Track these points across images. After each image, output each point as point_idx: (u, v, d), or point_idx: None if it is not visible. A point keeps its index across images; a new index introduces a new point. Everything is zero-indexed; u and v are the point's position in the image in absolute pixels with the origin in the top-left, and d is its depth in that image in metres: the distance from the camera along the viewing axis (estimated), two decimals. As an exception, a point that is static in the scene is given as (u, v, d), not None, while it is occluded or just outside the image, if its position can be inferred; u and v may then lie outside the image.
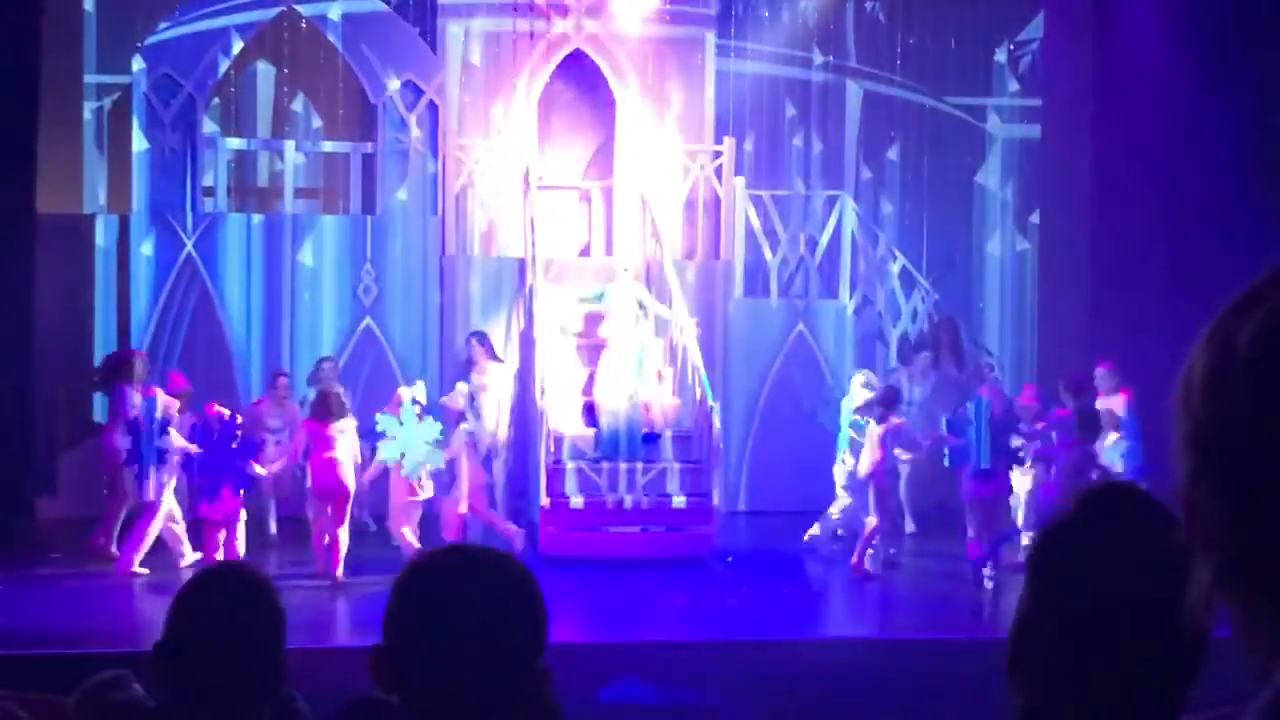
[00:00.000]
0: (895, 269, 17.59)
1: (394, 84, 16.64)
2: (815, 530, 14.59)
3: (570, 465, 14.29)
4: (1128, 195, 16.59)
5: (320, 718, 3.10)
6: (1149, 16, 16.34)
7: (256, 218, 16.64)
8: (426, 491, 13.41)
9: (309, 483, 13.34)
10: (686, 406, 15.14)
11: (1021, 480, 13.72)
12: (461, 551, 2.38)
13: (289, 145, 16.71)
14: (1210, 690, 1.83)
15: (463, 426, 13.77)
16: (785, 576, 13.67)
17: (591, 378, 15.14)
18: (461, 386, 14.33)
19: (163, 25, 16.36)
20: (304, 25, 16.64)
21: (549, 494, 14.05)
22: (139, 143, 16.18)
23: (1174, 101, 15.75)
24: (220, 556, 12.61)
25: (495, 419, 15.23)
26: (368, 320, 16.53)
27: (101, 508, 14.02)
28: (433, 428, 13.32)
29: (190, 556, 13.01)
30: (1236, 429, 1.23)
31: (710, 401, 14.43)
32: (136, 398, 13.46)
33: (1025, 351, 17.96)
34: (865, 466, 13.64)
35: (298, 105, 17.18)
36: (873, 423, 13.69)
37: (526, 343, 15.81)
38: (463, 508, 13.58)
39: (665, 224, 16.52)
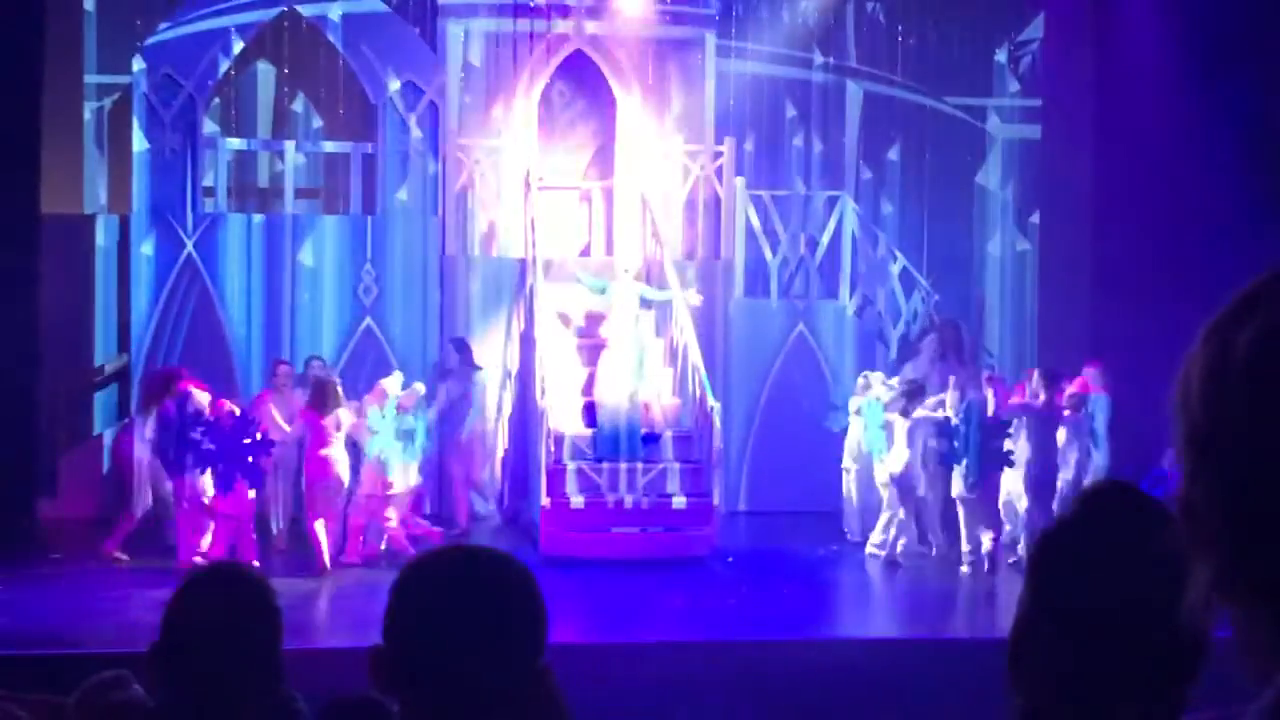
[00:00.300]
0: (895, 269, 17.58)
1: (394, 84, 16.64)
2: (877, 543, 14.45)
3: (571, 465, 14.29)
4: (1128, 195, 16.59)
5: (320, 718, 3.09)
6: (1149, 17, 16.33)
7: (257, 218, 16.64)
8: (397, 486, 13.49)
9: (305, 475, 13.35)
10: (686, 406, 15.14)
11: (1011, 479, 13.76)
12: (461, 551, 2.38)
13: (289, 145, 16.71)
14: (1210, 690, 1.83)
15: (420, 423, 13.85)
16: (789, 576, 13.68)
17: (591, 378, 15.13)
18: (418, 386, 14.31)
19: (163, 25, 16.36)
20: (304, 25, 16.63)
21: (549, 494, 14.05)
22: (139, 143, 16.17)
23: (1174, 101, 15.75)
24: (224, 551, 12.68)
25: (469, 423, 15.28)
26: (368, 320, 16.52)
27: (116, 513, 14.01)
28: (404, 420, 13.52)
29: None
30: (1234, 430, 1.23)
31: (710, 402, 14.43)
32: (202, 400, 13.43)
33: (1025, 351, 17.95)
34: (898, 464, 13.74)
35: (298, 105, 17.18)
36: (899, 418, 13.79)
37: (527, 343, 15.81)
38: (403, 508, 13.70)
39: (665, 224, 16.52)
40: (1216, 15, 15.47)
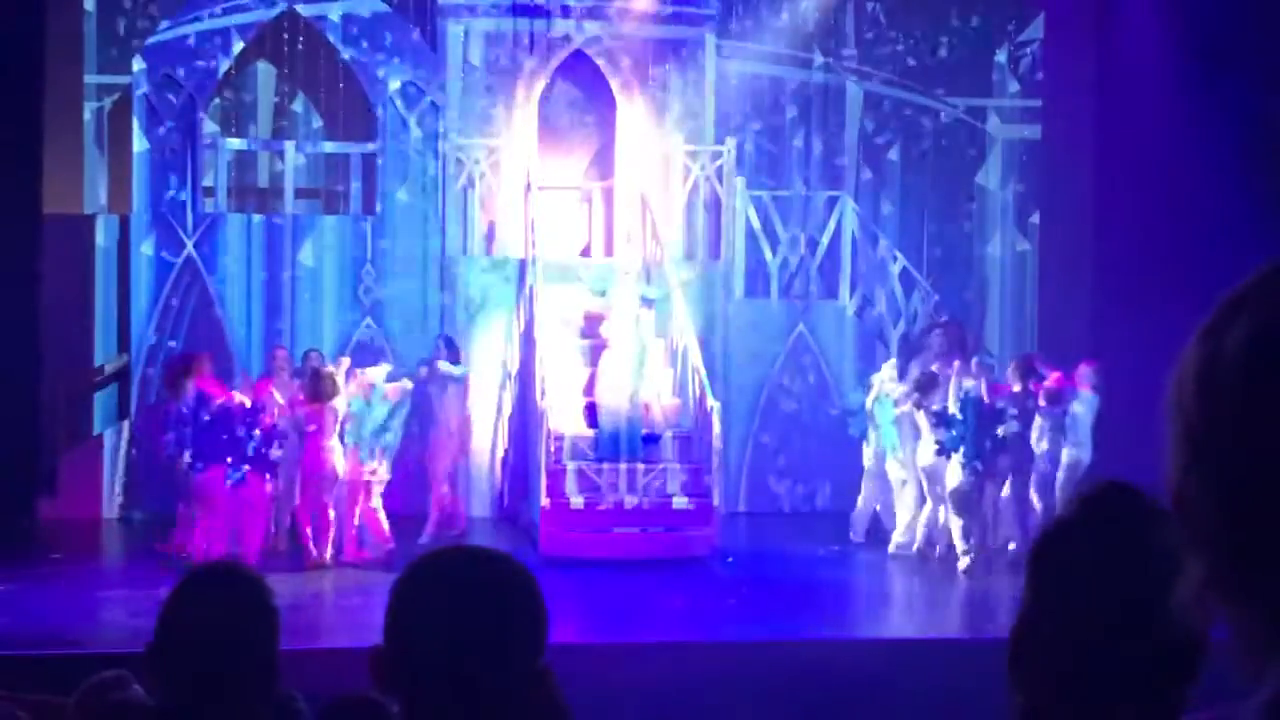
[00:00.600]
0: (895, 269, 17.58)
1: (394, 84, 16.65)
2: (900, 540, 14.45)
3: (570, 466, 14.29)
4: (1128, 195, 16.58)
5: (321, 718, 3.09)
6: (1149, 17, 16.33)
7: (257, 218, 16.64)
8: (381, 474, 13.50)
9: (300, 467, 13.33)
10: (687, 407, 15.15)
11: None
12: (462, 551, 2.38)
13: (289, 146, 16.71)
14: (1210, 691, 1.83)
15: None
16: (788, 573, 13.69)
17: (592, 378, 15.14)
18: (406, 382, 14.30)
19: (163, 25, 16.37)
20: (304, 26, 16.63)
21: (549, 495, 14.06)
22: (139, 143, 16.18)
23: (1175, 101, 15.75)
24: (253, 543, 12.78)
25: (457, 419, 15.22)
26: (368, 321, 16.52)
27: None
28: (383, 408, 13.52)
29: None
30: (1227, 427, 1.24)
31: (710, 402, 14.43)
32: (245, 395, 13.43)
33: (1025, 351, 17.93)
34: (927, 456, 13.75)
35: (298, 105, 17.18)
36: (917, 411, 13.84)
37: (526, 343, 15.81)
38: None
39: (665, 225, 16.53)
40: (1217, 15, 15.47)
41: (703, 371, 14.87)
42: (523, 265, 16.21)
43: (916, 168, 18.07)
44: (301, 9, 16.58)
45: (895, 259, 17.62)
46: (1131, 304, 16.07)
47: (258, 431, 12.85)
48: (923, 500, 14.27)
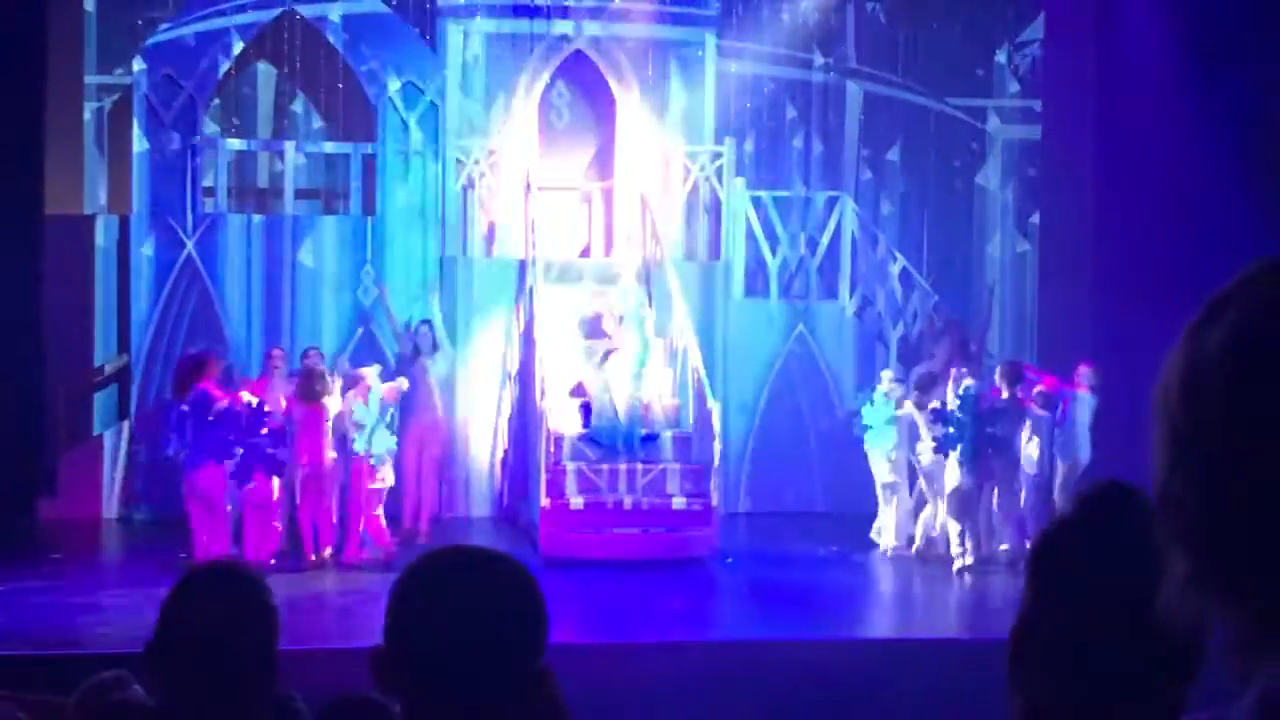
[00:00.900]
0: (895, 270, 17.58)
1: (394, 85, 16.65)
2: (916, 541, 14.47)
3: (570, 466, 14.30)
4: (1128, 196, 16.59)
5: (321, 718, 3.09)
6: (1149, 17, 16.33)
7: (257, 218, 16.64)
8: (388, 480, 13.49)
9: (294, 465, 13.31)
10: (686, 407, 15.15)
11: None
12: (462, 552, 2.38)
13: (289, 146, 16.71)
14: (1209, 692, 1.83)
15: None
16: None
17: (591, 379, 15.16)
18: (402, 381, 14.28)
19: (163, 26, 16.37)
20: (304, 26, 16.63)
21: (549, 495, 14.06)
22: (139, 143, 16.18)
23: (1175, 102, 15.75)
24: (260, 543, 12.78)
25: (436, 407, 15.18)
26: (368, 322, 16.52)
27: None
28: (388, 413, 13.61)
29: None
30: (1210, 427, 1.25)
31: (710, 403, 14.44)
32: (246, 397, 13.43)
33: (1025, 352, 17.94)
34: (927, 457, 13.78)
35: (298, 106, 17.18)
36: (915, 411, 13.86)
37: (526, 344, 15.81)
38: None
39: (665, 225, 16.53)
40: (1217, 16, 15.48)
41: (702, 372, 14.88)
42: (522, 266, 16.21)
43: (916, 168, 18.07)
44: (302, 9, 16.58)
45: (895, 259, 17.62)
46: (1131, 304, 16.07)
47: (265, 430, 12.86)
48: (922, 502, 14.29)
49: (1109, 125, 16.91)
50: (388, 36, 16.69)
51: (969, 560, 13.53)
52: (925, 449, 13.90)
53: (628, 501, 14.14)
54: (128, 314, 16.19)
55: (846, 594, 13.51)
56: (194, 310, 16.25)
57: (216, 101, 16.88)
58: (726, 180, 16.89)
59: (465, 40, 16.68)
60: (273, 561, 12.75)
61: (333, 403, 13.33)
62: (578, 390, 15.06)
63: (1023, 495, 13.70)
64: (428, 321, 15.68)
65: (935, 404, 13.84)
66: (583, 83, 17.01)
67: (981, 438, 13.49)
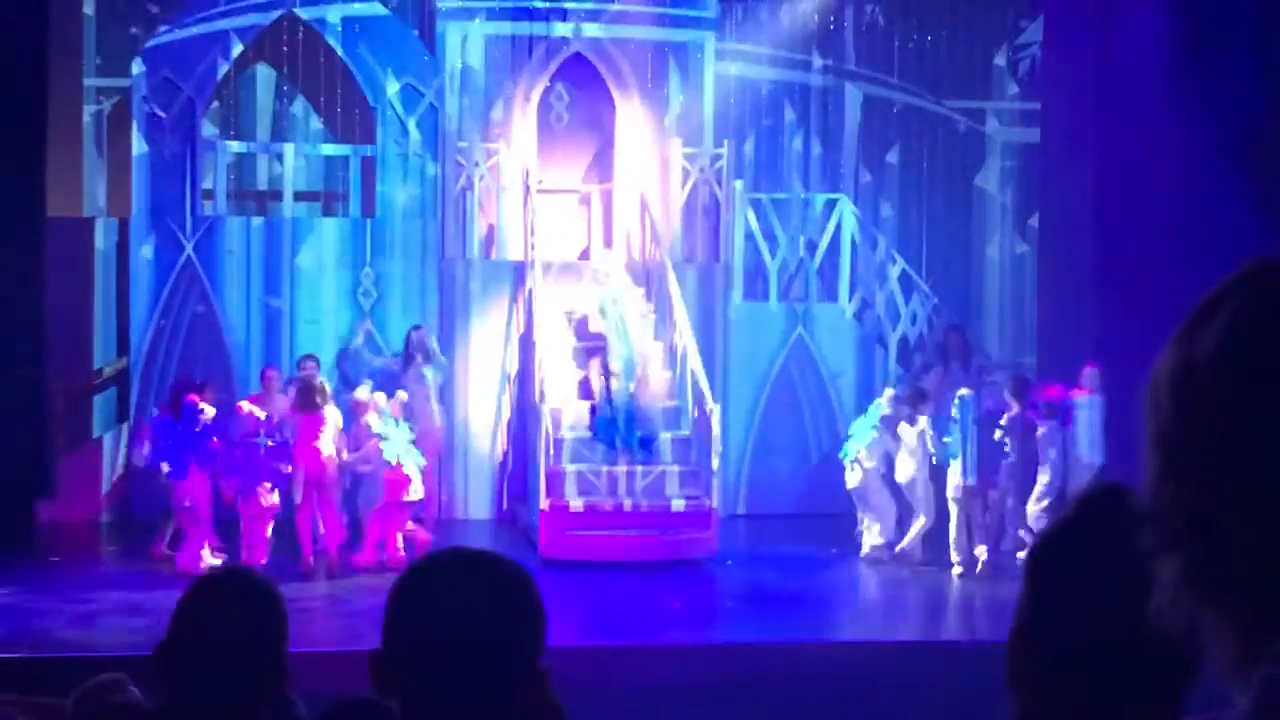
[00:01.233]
0: (895, 272, 17.59)
1: (393, 87, 16.65)
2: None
3: (570, 468, 14.31)
4: (1127, 198, 16.59)
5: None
6: (1148, 19, 16.34)
7: (256, 221, 16.64)
8: (418, 492, 13.48)
9: (297, 473, 13.32)
10: (685, 410, 15.16)
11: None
12: (459, 554, 2.38)
13: (288, 148, 16.71)
14: (1208, 694, 1.83)
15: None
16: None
17: (587, 379, 15.18)
18: (401, 394, 14.26)
19: (162, 29, 16.37)
20: (303, 28, 16.63)
21: (548, 497, 14.07)
22: (139, 146, 16.18)
23: (1174, 103, 15.75)
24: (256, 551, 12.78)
25: (432, 414, 15.17)
26: (367, 323, 16.52)
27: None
28: (405, 428, 13.55)
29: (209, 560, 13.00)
30: (1200, 430, 1.24)
31: (709, 405, 14.44)
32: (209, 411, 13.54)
33: (1024, 355, 17.95)
34: (906, 471, 13.77)
35: (297, 108, 17.18)
36: (905, 426, 13.84)
37: (526, 345, 15.82)
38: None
39: (664, 227, 16.54)
40: (1216, 18, 15.48)
41: (702, 374, 14.88)
42: (521, 267, 16.22)
43: (915, 170, 18.08)
44: (300, 12, 16.58)
45: (894, 262, 17.62)
46: (1130, 307, 16.08)
47: (269, 442, 12.94)
48: (904, 509, 14.22)
49: (1108, 127, 16.91)
50: (387, 39, 16.70)
51: (963, 566, 13.51)
52: (905, 464, 13.82)
53: (627, 504, 14.14)
54: (127, 316, 16.19)
55: (846, 596, 13.52)
56: (193, 313, 16.25)
57: (216, 104, 16.88)
58: (725, 182, 16.89)
59: (464, 42, 16.68)
60: (264, 562, 12.75)
61: (331, 413, 13.33)
62: (586, 392, 15.07)
63: (1045, 502, 13.64)
64: (420, 327, 15.69)
65: (924, 423, 13.78)
66: (582, 85, 17.01)
67: (983, 445, 13.46)
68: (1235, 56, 15.11)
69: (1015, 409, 13.79)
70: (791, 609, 12.79)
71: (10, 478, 14.19)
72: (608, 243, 16.99)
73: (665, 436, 14.85)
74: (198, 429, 13.10)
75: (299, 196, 16.94)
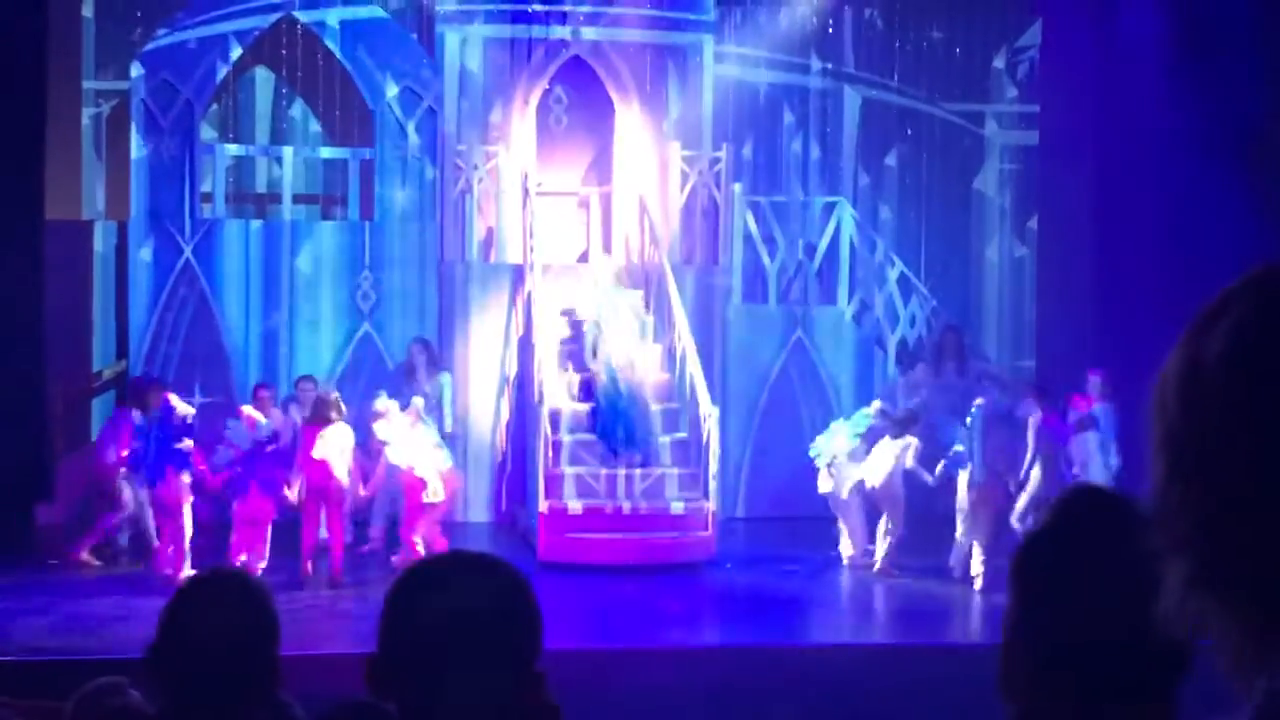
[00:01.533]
0: (893, 275, 17.59)
1: (392, 90, 16.65)
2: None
3: (569, 471, 14.31)
4: (1126, 201, 16.61)
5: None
6: (1147, 22, 16.35)
7: (255, 224, 16.64)
8: (438, 495, 13.43)
9: (303, 485, 13.30)
10: (684, 412, 15.16)
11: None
12: (455, 557, 2.38)
13: (287, 151, 16.72)
14: (1204, 696, 1.83)
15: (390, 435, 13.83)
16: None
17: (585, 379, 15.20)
18: (417, 401, 14.26)
19: (161, 32, 16.37)
20: (302, 31, 16.64)
21: (548, 499, 14.07)
22: (138, 149, 16.18)
23: (1172, 106, 15.77)
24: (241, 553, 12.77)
25: (446, 422, 15.19)
26: (366, 326, 16.53)
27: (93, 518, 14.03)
28: (431, 431, 13.51)
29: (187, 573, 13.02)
30: (1208, 433, 1.25)
31: (708, 408, 14.45)
32: (138, 416, 13.59)
33: (1023, 357, 17.96)
34: (877, 477, 13.69)
35: (296, 111, 17.19)
36: (889, 439, 13.78)
37: (525, 348, 15.82)
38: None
39: (664, 230, 16.54)
40: (1215, 21, 15.49)
41: (700, 376, 14.89)
42: (521, 271, 16.22)
43: (914, 173, 18.08)
44: (300, 15, 16.58)
45: (893, 264, 17.63)
46: (1129, 309, 16.09)
47: (269, 449, 12.94)
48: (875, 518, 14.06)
49: (1106, 130, 16.93)
50: (386, 42, 16.70)
51: (983, 576, 13.40)
52: (877, 471, 13.71)
53: (626, 506, 14.15)
54: (126, 319, 16.19)
55: (844, 599, 13.51)
56: (192, 315, 16.25)
57: (215, 107, 16.88)
58: (724, 185, 16.89)
59: (463, 45, 16.68)
60: (261, 568, 12.73)
61: (341, 427, 13.19)
62: (587, 394, 15.06)
63: None
64: (422, 340, 15.71)
65: (910, 442, 13.72)
66: (581, 88, 17.01)
67: (992, 452, 13.38)
68: (1233, 59, 15.12)
69: (1038, 414, 13.81)
70: (790, 612, 12.78)
71: (9, 481, 14.19)
72: (607, 247, 16.99)
73: (664, 440, 14.86)
74: (176, 428, 13.03)
75: (298, 199, 16.95)
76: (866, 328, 17.44)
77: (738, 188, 17.06)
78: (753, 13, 17.51)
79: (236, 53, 16.52)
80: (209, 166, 16.49)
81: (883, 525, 13.87)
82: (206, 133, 16.63)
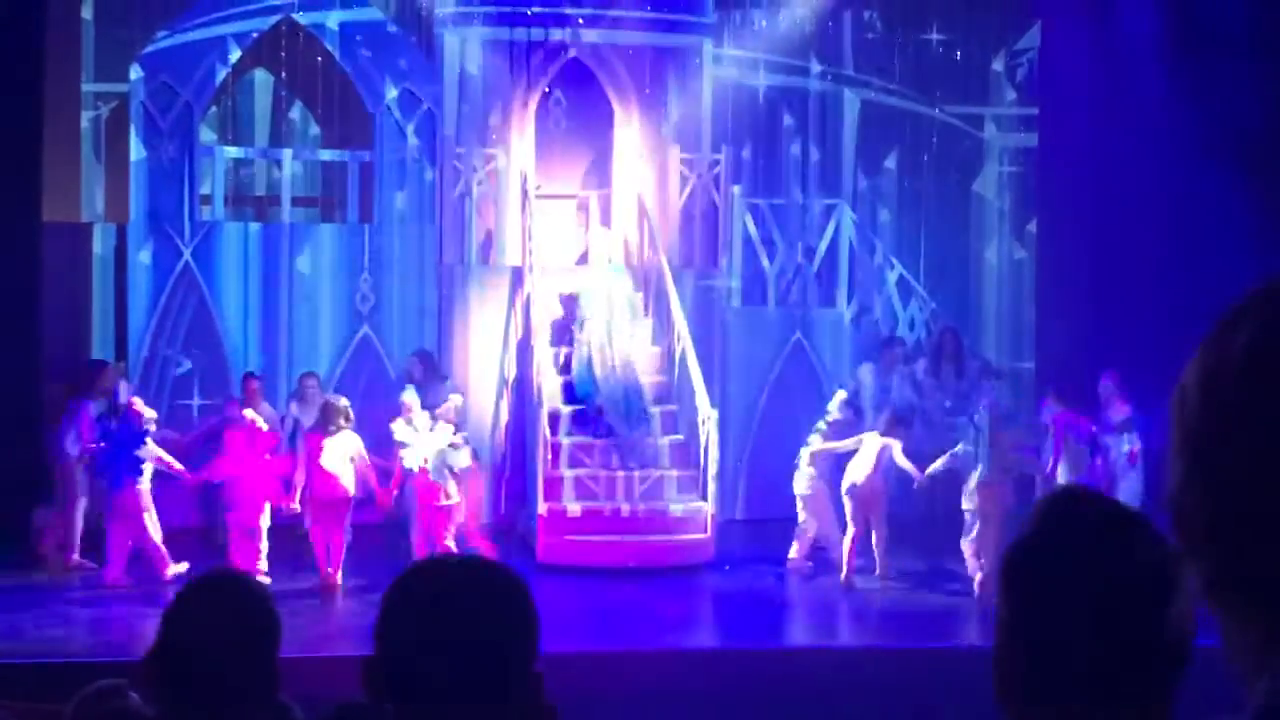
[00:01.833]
0: (893, 277, 17.60)
1: (392, 93, 16.65)
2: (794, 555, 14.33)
3: (568, 474, 14.32)
4: (1125, 204, 16.61)
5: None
6: (1146, 25, 16.36)
7: (254, 226, 16.63)
8: (453, 497, 13.43)
9: (308, 492, 13.28)
10: (684, 414, 15.17)
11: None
12: (451, 560, 2.39)
13: (287, 154, 16.72)
14: (1202, 699, 1.83)
15: (459, 436, 13.82)
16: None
17: (568, 359, 15.31)
18: (456, 398, 14.30)
19: (161, 34, 16.36)
20: (302, 34, 16.63)
21: (547, 502, 14.07)
22: (137, 151, 16.17)
23: (1171, 109, 15.78)
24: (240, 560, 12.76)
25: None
26: (365, 329, 16.53)
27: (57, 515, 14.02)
28: (446, 431, 13.49)
29: (174, 568, 12.97)
30: (1229, 436, 1.25)
31: (708, 410, 14.45)
32: (96, 406, 13.62)
33: (1022, 360, 17.96)
34: (859, 474, 13.60)
35: (295, 114, 17.18)
36: (875, 435, 13.74)
37: (524, 351, 15.83)
38: (460, 517, 13.64)
39: (663, 233, 16.54)
40: (1214, 24, 15.50)
41: (699, 379, 14.89)
42: (520, 273, 16.22)
43: (913, 176, 18.08)
44: (299, 17, 16.58)
45: (892, 267, 17.63)
46: (1128, 312, 16.10)
47: (266, 455, 12.94)
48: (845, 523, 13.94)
49: (1105, 132, 16.94)
50: (385, 44, 16.70)
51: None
52: (860, 469, 13.65)
53: (625, 508, 14.15)
54: (125, 322, 16.18)
55: (844, 601, 13.50)
56: (191, 318, 16.24)
57: (214, 109, 16.88)
58: (724, 188, 16.89)
59: (462, 48, 16.68)
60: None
61: (350, 435, 13.16)
62: (566, 369, 15.18)
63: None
64: (420, 353, 15.72)
65: (895, 447, 13.68)
66: (580, 91, 17.01)
67: (996, 450, 13.33)
68: (1232, 61, 15.14)
69: (1060, 414, 13.84)
70: (789, 614, 12.78)
71: (7, 483, 14.18)
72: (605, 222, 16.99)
73: (664, 441, 14.88)
74: (137, 433, 12.99)
75: (297, 202, 16.94)
76: (866, 330, 17.44)
77: (737, 190, 17.06)
78: (752, 15, 17.51)
79: (236, 55, 16.52)
80: (208, 169, 16.48)
81: (849, 533, 13.69)
82: (206, 135, 16.63)
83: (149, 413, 13.27)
